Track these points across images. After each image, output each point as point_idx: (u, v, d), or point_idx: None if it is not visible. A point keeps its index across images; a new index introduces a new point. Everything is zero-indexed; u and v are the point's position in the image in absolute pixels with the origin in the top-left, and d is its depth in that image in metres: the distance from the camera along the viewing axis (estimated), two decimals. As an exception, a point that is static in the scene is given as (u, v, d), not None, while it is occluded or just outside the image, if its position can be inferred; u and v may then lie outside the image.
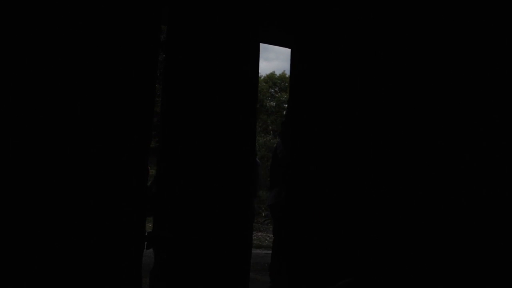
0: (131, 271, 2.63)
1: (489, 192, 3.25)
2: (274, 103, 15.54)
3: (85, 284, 2.50)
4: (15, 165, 2.42)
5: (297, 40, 3.32)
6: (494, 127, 3.30)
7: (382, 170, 3.28)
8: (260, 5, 3.16)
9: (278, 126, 13.92)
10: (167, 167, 2.84)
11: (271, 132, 14.71)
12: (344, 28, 3.35)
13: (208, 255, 2.83)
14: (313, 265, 3.11)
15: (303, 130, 3.21)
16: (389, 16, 3.41)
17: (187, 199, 2.83)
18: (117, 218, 2.61)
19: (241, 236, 2.94)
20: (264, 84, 15.86)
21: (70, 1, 2.59)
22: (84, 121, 2.58)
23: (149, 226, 2.95)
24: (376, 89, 3.33)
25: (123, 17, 2.72)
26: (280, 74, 16.47)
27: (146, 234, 2.74)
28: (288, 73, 14.68)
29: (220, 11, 3.01)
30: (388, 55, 3.38)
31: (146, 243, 2.74)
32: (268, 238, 9.69)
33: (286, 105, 13.71)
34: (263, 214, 11.66)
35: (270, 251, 4.79)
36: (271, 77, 16.43)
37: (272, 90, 16.16)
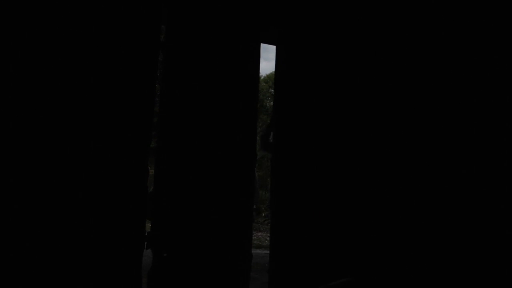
0: (131, 271, 2.63)
1: (489, 192, 3.25)
2: (274, 103, 15.50)
3: (85, 284, 2.51)
4: (14, 165, 2.42)
5: (281, 36, 3.28)
6: (493, 127, 3.30)
7: (374, 168, 3.28)
8: (260, 5, 3.16)
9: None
10: (165, 167, 2.84)
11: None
12: (333, 23, 3.34)
13: (207, 255, 2.83)
14: (302, 264, 3.11)
15: (290, 128, 3.20)
16: (382, 13, 3.42)
17: (185, 199, 2.83)
18: (117, 218, 2.61)
19: (241, 235, 2.94)
20: (264, 84, 15.88)
21: (71, 1, 2.60)
22: (83, 121, 2.58)
23: (149, 226, 2.95)
24: (368, 87, 3.33)
25: (123, 17, 2.72)
26: (280, 74, 16.41)
27: (146, 234, 2.74)
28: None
29: (218, 11, 3.01)
30: (382, 52, 3.38)
31: (146, 243, 2.74)
32: (268, 238, 9.68)
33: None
34: (263, 214, 11.66)
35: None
36: (271, 77, 16.46)
37: (272, 90, 16.19)
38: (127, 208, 2.65)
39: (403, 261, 3.22)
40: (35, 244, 2.43)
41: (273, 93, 16.07)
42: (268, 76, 16.58)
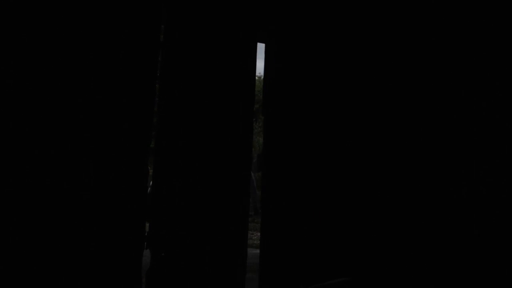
0: (131, 271, 2.64)
1: (487, 192, 3.25)
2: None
3: (85, 284, 2.51)
4: (15, 166, 2.42)
5: (271, 34, 3.25)
6: (493, 127, 3.30)
7: (366, 167, 3.29)
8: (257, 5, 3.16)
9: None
10: (162, 167, 2.85)
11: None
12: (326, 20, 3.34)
13: (203, 254, 2.84)
14: (292, 264, 3.12)
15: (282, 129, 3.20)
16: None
17: (182, 198, 2.83)
18: (117, 218, 2.62)
19: (236, 235, 2.95)
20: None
21: (70, 1, 2.60)
22: (83, 121, 2.58)
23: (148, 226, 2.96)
24: (361, 87, 3.34)
25: (124, 17, 2.72)
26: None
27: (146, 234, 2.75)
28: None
29: (216, 11, 3.01)
30: (377, 50, 3.39)
31: (145, 243, 2.75)
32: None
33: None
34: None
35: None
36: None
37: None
38: (127, 208, 2.65)
39: (398, 261, 3.23)
40: (36, 244, 2.43)
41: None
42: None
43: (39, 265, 2.43)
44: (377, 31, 3.40)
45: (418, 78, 3.38)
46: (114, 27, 2.69)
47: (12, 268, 2.38)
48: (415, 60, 3.40)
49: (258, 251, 3.09)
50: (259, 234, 10.29)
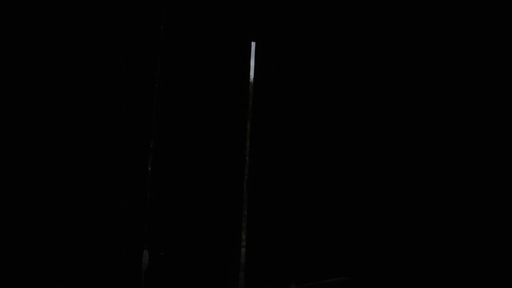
0: (131, 271, 2.65)
1: (487, 192, 3.27)
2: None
3: (86, 284, 2.52)
4: (15, 166, 2.42)
5: (261, 33, 3.27)
6: (492, 127, 3.32)
7: (353, 165, 3.32)
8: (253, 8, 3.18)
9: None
10: (160, 167, 2.85)
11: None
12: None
13: (198, 254, 2.86)
14: (276, 263, 3.15)
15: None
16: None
17: (180, 199, 2.85)
18: (117, 219, 2.63)
19: (231, 235, 2.98)
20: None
21: (71, 1, 2.60)
22: (83, 122, 2.59)
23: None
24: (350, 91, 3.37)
25: (123, 17, 2.72)
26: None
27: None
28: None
29: (213, 13, 3.03)
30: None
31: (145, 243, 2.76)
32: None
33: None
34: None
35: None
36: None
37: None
38: (127, 209, 2.66)
39: (397, 260, 3.24)
40: (36, 244, 2.43)
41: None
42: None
43: (39, 265, 2.43)
44: (370, 36, 3.43)
45: (411, 86, 3.41)
46: (114, 27, 2.70)
47: (12, 268, 2.37)
48: (408, 67, 3.43)
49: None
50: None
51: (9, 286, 2.33)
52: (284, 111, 3.21)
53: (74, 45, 2.59)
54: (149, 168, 2.89)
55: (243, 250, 3.62)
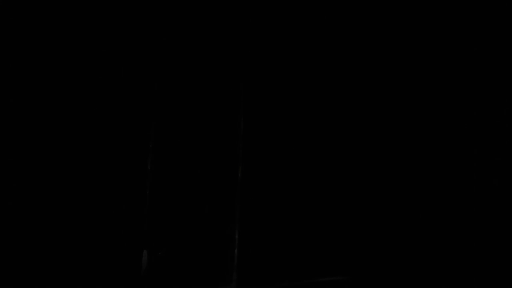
0: (131, 271, 2.74)
1: (487, 192, 3.20)
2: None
3: (85, 284, 2.60)
4: (15, 166, 2.52)
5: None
6: (491, 127, 3.24)
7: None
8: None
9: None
10: (160, 170, 2.93)
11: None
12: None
13: (197, 254, 2.94)
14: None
15: None
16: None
17: (178, 202, 2.94)
18: (118, 219, 2.72)
19: (224, 235, 3.03)
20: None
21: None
22: (83, 122, 2.69)
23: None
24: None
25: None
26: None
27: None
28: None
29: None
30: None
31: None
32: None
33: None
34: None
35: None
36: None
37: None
38: (127, 209, 2.75)
39: (396, 260, 3.19)
40: (36, 244, 2.53)
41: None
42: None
43: (39, 265, 2.51)
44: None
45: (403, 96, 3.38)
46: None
47: (12, 268, 2.45)
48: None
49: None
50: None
51: (9, 286, 2.40)
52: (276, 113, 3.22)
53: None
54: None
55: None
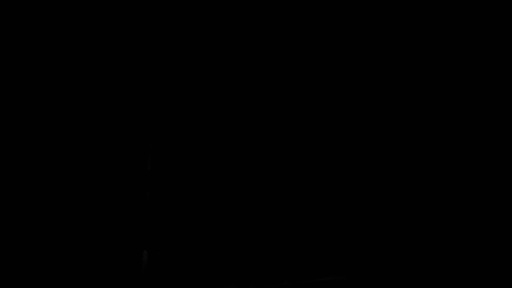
0: (131, 271, 2.70)
1: (487, 192, 3.29)
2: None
3: (86, 283, 2.57)
4: (16, 167, 2.48)
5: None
6: (491, 127, 3.33)
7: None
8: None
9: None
10: (160, 172, 2.89)
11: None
12: None
13: (196, 254, 2.93)
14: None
15: None
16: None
17: (177, 203, 2.90)
18: (118, 219, 2.69)
19: (223, 235, 3.05)
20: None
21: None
22: (84, 123, 2.65)
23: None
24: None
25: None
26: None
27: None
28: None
29: None
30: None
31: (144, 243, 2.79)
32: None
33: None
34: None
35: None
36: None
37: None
38: (127, 209, 2.72)
39: (395, 260, 3.28)
40: (36, 244, 2.50)
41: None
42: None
43: (39, 265, 2.49)
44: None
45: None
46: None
47: (12, 268, 2.43)
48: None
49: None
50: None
51: (9, 285, 2.37)
52: None
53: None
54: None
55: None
